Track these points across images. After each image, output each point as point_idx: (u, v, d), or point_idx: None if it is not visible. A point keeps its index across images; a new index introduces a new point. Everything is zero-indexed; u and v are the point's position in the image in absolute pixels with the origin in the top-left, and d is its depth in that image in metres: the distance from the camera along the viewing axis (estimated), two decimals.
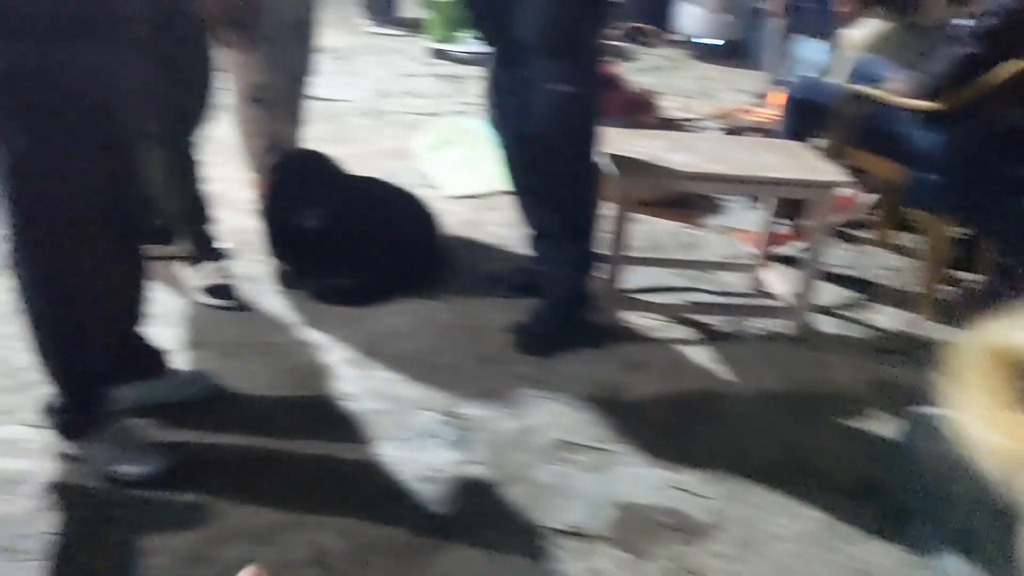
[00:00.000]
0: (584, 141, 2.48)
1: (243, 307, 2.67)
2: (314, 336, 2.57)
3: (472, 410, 2.29)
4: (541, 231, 2.74)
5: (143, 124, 1.97)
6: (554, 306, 2.63)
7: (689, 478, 2.12)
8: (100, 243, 1.83)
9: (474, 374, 2.46)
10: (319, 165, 2.90)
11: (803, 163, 2.71)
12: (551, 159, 2.48)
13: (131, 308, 2.05)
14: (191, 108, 2.54)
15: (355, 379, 2.38)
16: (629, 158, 2.61)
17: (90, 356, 1.89)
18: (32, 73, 1.64)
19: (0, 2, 1.57)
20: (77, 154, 1.74)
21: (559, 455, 2.16)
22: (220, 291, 2.67)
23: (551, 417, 2.30)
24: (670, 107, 4.74)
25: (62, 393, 1.90)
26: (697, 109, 4.99)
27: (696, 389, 2.49)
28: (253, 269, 2.89)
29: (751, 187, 2.73)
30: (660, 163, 2.59)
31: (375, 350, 2.53)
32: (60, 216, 1.76)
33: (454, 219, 3.38)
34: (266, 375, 2.37)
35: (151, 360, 2.17)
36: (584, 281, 2.63)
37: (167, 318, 2.58)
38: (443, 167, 3.85)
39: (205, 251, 2.73)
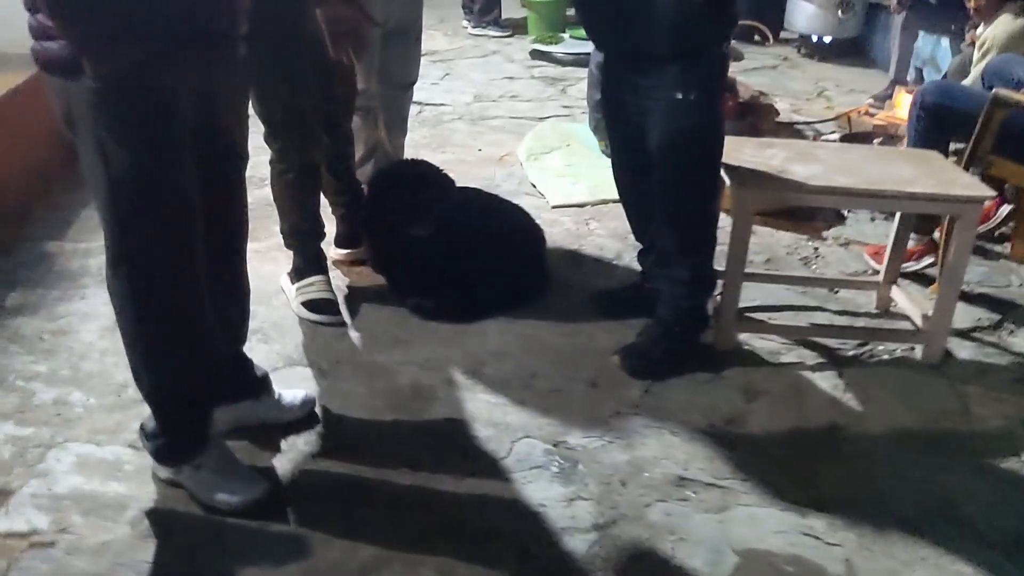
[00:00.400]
0: (709, 153, 2.32)
1: (343, 323, 2.60)
2: (415, 354, 2.49)
3: (579, 439, 2.17)
4: (653, 246, 2.59)
5: (241, 140, 1.92)
6: (667, 327, 2.48)
7: (816, 522, 1.95)
8: (198, 262, 1.77)
9: (581, 399, 2.33)
10: (424, 175, 2.81)
11: (940, 175, 2.49)
12: (672, 172, 2.33)
13: (230, 328, 2.00)
14: (308, 122, 2.49)
15: (457, 402, 2.29)
16: (749, 170, 2.44)
17: (187, 379, 1.84)
18: (134, 85, 1.58)
19: (102, 14, 1.52)
20: (177, 170, 1.68)
21: (673, 492, 2.02)
22: (322, 306, 2.61)
23: (663, 449, 2.16)
24: (784, 109, 4.51)
25: (158, 416, 1.85)
26: (813, 111, 4.74)
27: (820, 421, 2.30)
28: (353, 283, 2.82)
29: (884, 202, 2.52)
30: (783, 176, 2.41)
31: (478, 371, 2.42)
32: (158, 235, 1.71)
33: (558, 230, 3.26)
34: (365, 396, 2.29)
35: (250, 381, 2.11)
36: (700, 301, 2.48)
37: (266, 334, 2.53)
38: (545, 175, 3.73)
39: (311, 265, 2.67)
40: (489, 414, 2.25)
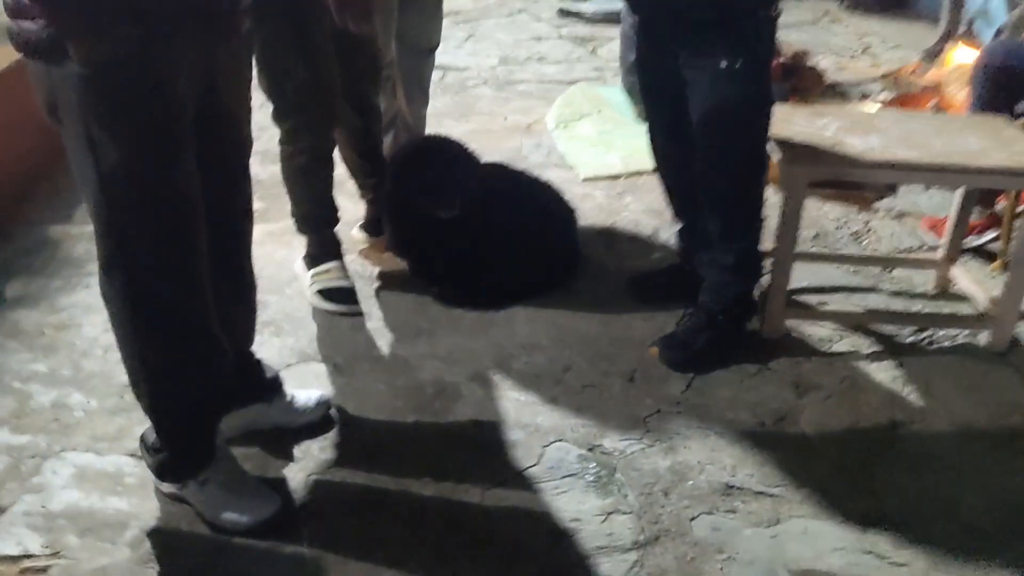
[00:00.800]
0: (756, 127, 2.12)
1: (360, 312, 2.44)
2: (438, 346, 2.32)
3: (615, 442, 2.00)
4: (694, 224, 2.39)
5: (245, 125, 1.74)
6: (709, 315, 2.29)
7: (878, 539, 1.77)
8: (200, 263, 1.60)
9: (617, 396, 2.15)
10: (448, 151, 2.61)
11: (1011, 146, 2.26)
12: (715, 148, 2.12)
13: (236, 328, 1.84)
14: (324, 99, 2.30)
15: (483, 401, 2.12)
16: (800, 144, 2.22)
17: (190, 390, 1.68)
18: (127, 71, 1.41)
19: None
20: (176, 165, 1.52)
21: (720, 502, 1.85)
22: (338, 294, 2.44)
23: (708, 452, 1.98)
24: (827, 69, 4.24)
25: (159, 431, 1.70)
26: (859, 70, 4.47)
27: (877, 418, 2.11)
28: (372, 269, 2.65)
29: (951, 177, 2.29)
30: (837, 149, 2.20)
31: (505, 364, 2.25)
32: (155, 237, 1.55)
33: (589, 205, 3.05)
34: (384, 394, 2.13)
35: (260, 383, 1.95)
36: (747, 287, 2.28)
37: (279, 326, 2.37)
38: (575, 144, 3.52)
39: (326, 251, 2.50)
40: (518, 414, 2.08)
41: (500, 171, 2.75)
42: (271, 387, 1.96)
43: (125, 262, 1.56)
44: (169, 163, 1.52)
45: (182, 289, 1.60)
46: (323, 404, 2.03)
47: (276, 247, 2.71)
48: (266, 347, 2.26)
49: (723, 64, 2.00)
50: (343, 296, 2.43)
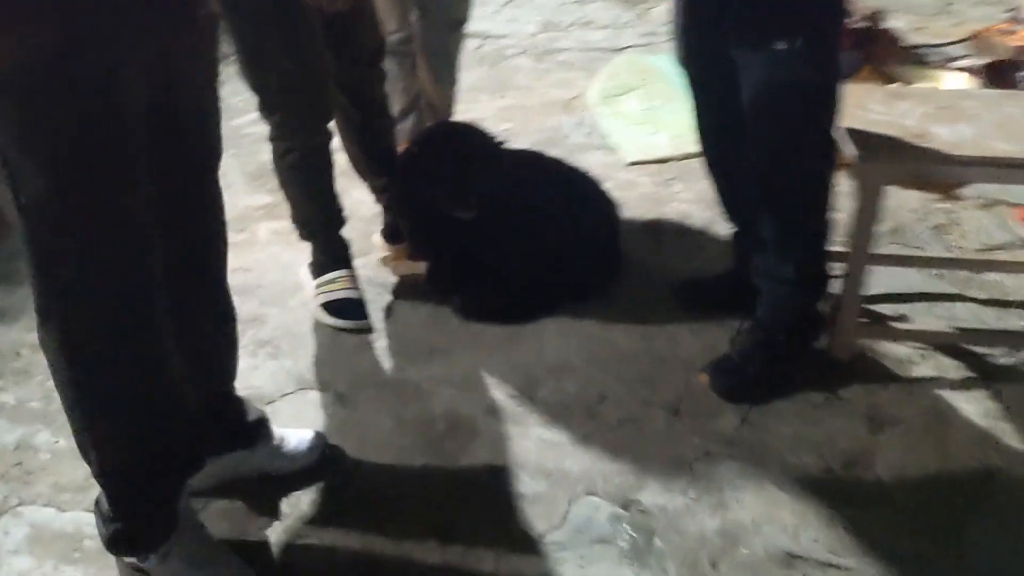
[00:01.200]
0: (820, 119, 1.78)
1: (369, 328, 2.16)
2: (454, 369, 2.04)
3: (656, 497, 1.70)
4: (749, 229, 2.06)
5: (212, 128, 1.46)
6: (768, 334, 1.96)
7: None
8: (153, 300, 1.34)
9: (659, 434, 1.85)
10: (466, 140, 2.30)
11: None
12: (771, 145, 1.79)
13: (210, 367, 1.59)
14: (314, 90, 2.02)
15: (501, 440, 1.84)
16: (877, 135, 1.88)
17: (146, 450, 1.42)
18: (53, 75, 1.14)
19: None
20: (119, 185, 1.25)
21: None
22: (345, 308, 2.17)
23: (765, 508, 1.68)
24: (903, 30, 3.81)
25: (110, 499, 1.45)
26: (939, 31, 4.02)
27: (969, 461, 1.78)
28: (384, 276, 2.37)
29: None
30: (922, 143, 1.85)
31: (530, 391, 1.97)
32: (95, 275, 1.28)
33: (634, 194, 2.73)
34: (390, 430, 1.87)
35: (242, 428, 1.70)
36: (811, 303, 1.95)
37: (277, 346, 2.11)
38: (620, 123, 3.18)
39: (332, 258, 2.23)
40: (541, 457, 1.79)
41: (530, 160, 2.44)
42: (255, 431, 1.70)
43: (62, 311, 1.30)
44: (112, 190, 1.24)
45: (132, 340, 1.34)
46: (317, 447, 1.77)
47: (283, 248, 2.45)
48: (260, 373, 2.01)
49: (780, 45, 1.66)
50: (350, 310, 2.16)
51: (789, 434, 1.85)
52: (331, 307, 2.16)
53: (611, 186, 2.65)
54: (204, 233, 1.50)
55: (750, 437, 1.84)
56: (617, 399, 1.95)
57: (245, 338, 2.10)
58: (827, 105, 1.79)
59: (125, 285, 1.31)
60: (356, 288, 2.20)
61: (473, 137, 2.31)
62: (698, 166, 2.81)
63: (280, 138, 2.05)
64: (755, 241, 2.00)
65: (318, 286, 2.20)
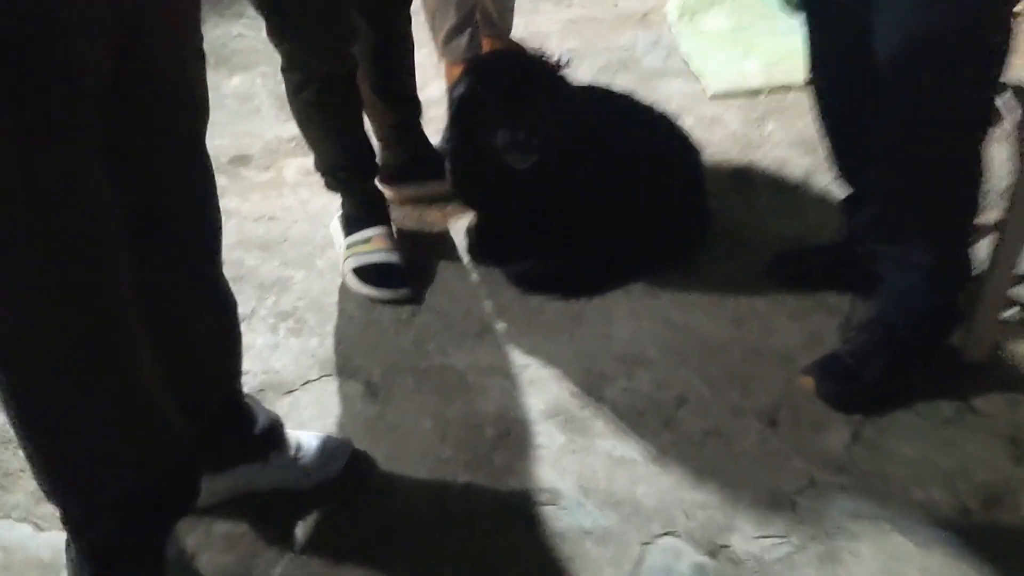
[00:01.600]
0: (978, 69, 1.38)
1: (410, 297, 1.84)
2: (507, 354, 1.72)
3: (749, 541, 1.39)
4: (866, 194, 1.69)
5: (195, 82, 1.13)
6: (889, 330, 1.61)
7: None
8: (119, 303, 1.04)
9: (753, 453, 1.53)
10: (530, 73, 1.91)
11: None
12: (913, 98, 1.40)
13: (211, 370, 1.30)
14: (334, 8, 1.66)
15: (561, 455, 1.53)
16: None
17: (118, 490, 1.14)
18: None
19: None
20: (62, 187, 0.95)
21: None
22: (380, 274, 1.85)
23: (884, 561, 1.36)
24: None
25: (80, 549, 1.18)
26: None
27: None
28: (426, 232, 2.04)
29: None
30: None
31: (596, 389, 1.65)
32: (43, 283, 0.99)
33: (719, 135, 2.34)
34: (429, 435, 1.57)
35: (250, 439, 1.40)
36: (947, 299, 1.58)
37: (301, 318, 1.81)
38: (702, 45, 2.74)
39: (364, 212, 1.90)
40: (610, 481, 1.48)
41: (598, 99, 2.05)
42: (266, 441, 1.42)
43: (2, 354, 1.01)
44: (53, 184, 0.93)
45: (91, 352, 1.04)
46: (341, 455, 1.49)
47: (313, 193, 2.13)
48: (280, 353, 1.72)
49: None
50: (387, 276, 1.84)
51: (913, 458, 1.51)
52: (363, 273, 1.84)
53: (691, 124, 2.28)
54: (192, 217, 1.19)
55: (864, 460, 1.51)
56: (700, 403, 1.62)
57: (264, 308, 1.81)
58: (988, 53, 1.38)
59: (84, 288, 1.00)
60: (394, 250, 1.88)
61: (534, 69, 1.92)
62: (796, 100, 2.42)
63: (293, 69, 1.70)
64: (879, 215, 1.62)
65: (349, 246, 1.88)
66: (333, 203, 1.99)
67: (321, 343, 1.75)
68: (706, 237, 1.97)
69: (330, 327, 1.79)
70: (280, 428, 1.43)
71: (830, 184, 2.07)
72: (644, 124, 2.00)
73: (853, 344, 1.64)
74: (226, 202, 2.10)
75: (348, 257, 1.86)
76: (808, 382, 1.62)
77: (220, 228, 1.24)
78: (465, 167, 1.94)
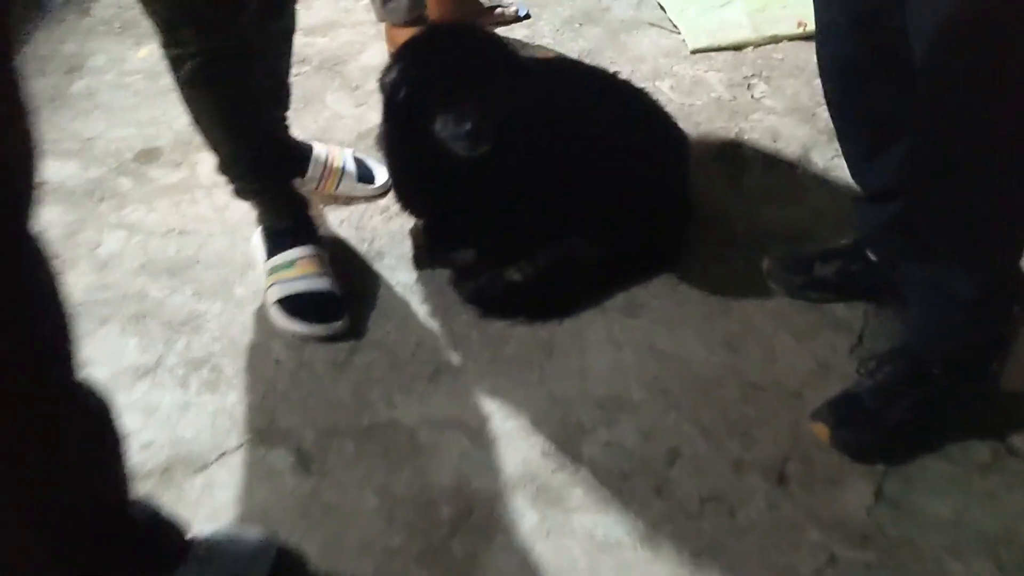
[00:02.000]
0: None
1: (346, 333, 1.56)
2: (463, 402, 1.45)
3: None
4: (883, 196, 1.41)
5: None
6: (919, 366, 1.35)
7: None
8: None
9: (760, 522, 1.28)
10: (472, 49, 1.58)
11: None
12: (957, 92, 1.11)
13: (90, 494, 1.02)
14: None
15: (531, 540, 1.27)
16: None
17: None
18: None
19: None
20: None
21: None
22: (309, 305, 1.55)
23: None
24: None
25: None
26: None
27: None
28: (369, 236, 1.75)
29: None
30: None
31: (572, 445, 1.39)
32: None
33: (701, 100, 2.04)
34: (373, 517, 1.31)
35: (146, 552, 1.13)
36: (989, 335, 1.32)
37: (216, 365, 1.52)
38: None
39: (283, 225, 1.60)
40: (592, 572, 1.23)
41: (560, 74, 1.74)
42: (167, 553, 1.15)
43: None
44: None
45: None
46: (263, 560, 1.22)
47: (231, 197, 1.80)
48: (190, 416, 1.44)
49: None
50: (318, 307, 1.55)
51: (947, 519, 1.28)
52: (290, 304, 1.55)
53: (669, 87, 1.98)
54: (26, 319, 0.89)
55: (891, 524, 1.27)
56: (695, 458, 1.36)
57: (173, 354, 1.53)
58: None
59: None
60: (324, 274, 1.57)
61: (481, 43, 1.59)
62: (788, 55, 2.13)
63: (168, 44, 1.37)
64: (909, 233, 1.34)
65: (271, 271, 1.57)
66: (253, 212, 1.68)
67: (241, 399, 1.47)
68: (689, 234, 1.69)
69: (252, 377, 1.50)
70: (181, 537, 1.16)
71: (831, 161, 1.80)
72: (618, 103, 1.69)
73: (873, 379, 1.38)
74: (129, 213, 1.82)
75: (271, 285, 1.56)
76: (821, 430, 1.36)
77: (69, 323, 0.94)
78: (403, 165, 1.63)
